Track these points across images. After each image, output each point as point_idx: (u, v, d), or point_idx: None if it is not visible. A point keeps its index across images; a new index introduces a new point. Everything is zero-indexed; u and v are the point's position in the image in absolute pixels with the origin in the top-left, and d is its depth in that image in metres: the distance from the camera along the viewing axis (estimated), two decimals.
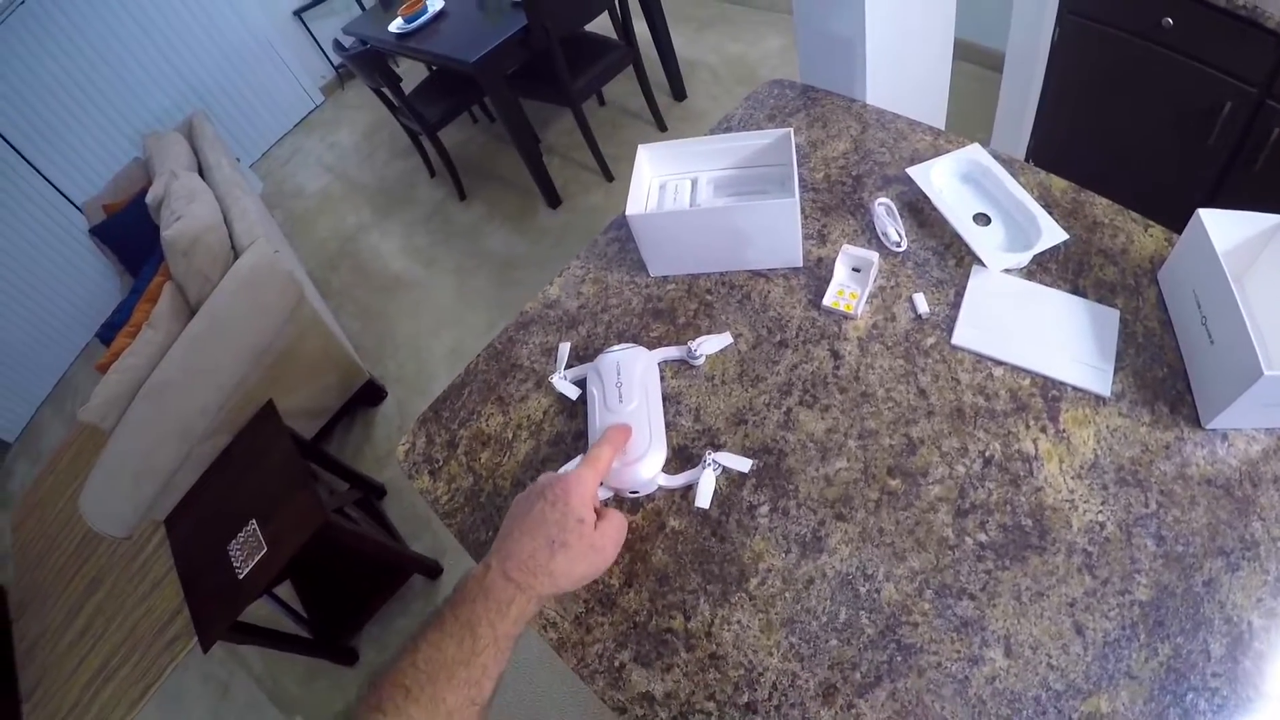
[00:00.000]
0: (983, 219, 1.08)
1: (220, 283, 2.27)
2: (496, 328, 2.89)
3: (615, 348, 0.99)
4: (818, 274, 1.06)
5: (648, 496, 0.90)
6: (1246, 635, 0.73)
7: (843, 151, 1.25)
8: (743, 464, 0.90)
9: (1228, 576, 0.77)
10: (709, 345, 1.00)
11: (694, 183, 1.16)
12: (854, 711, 0.73)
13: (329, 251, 3.52)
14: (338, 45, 3.24)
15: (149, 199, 2.65)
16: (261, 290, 2.33)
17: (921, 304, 1.00)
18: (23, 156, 3.67)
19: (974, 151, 1.13)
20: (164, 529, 1.99)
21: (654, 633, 0.80)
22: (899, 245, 1.06)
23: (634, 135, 3.48)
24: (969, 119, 2.32)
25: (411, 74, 3.58)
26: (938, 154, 1.16)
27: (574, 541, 0.65)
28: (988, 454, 0.88)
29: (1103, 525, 0.81)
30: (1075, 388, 0.92)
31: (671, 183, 1.17)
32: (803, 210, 1.14)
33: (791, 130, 1.08)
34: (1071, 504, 0.83)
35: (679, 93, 3.60)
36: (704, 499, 0.87)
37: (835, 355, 0.98)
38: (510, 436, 1.01)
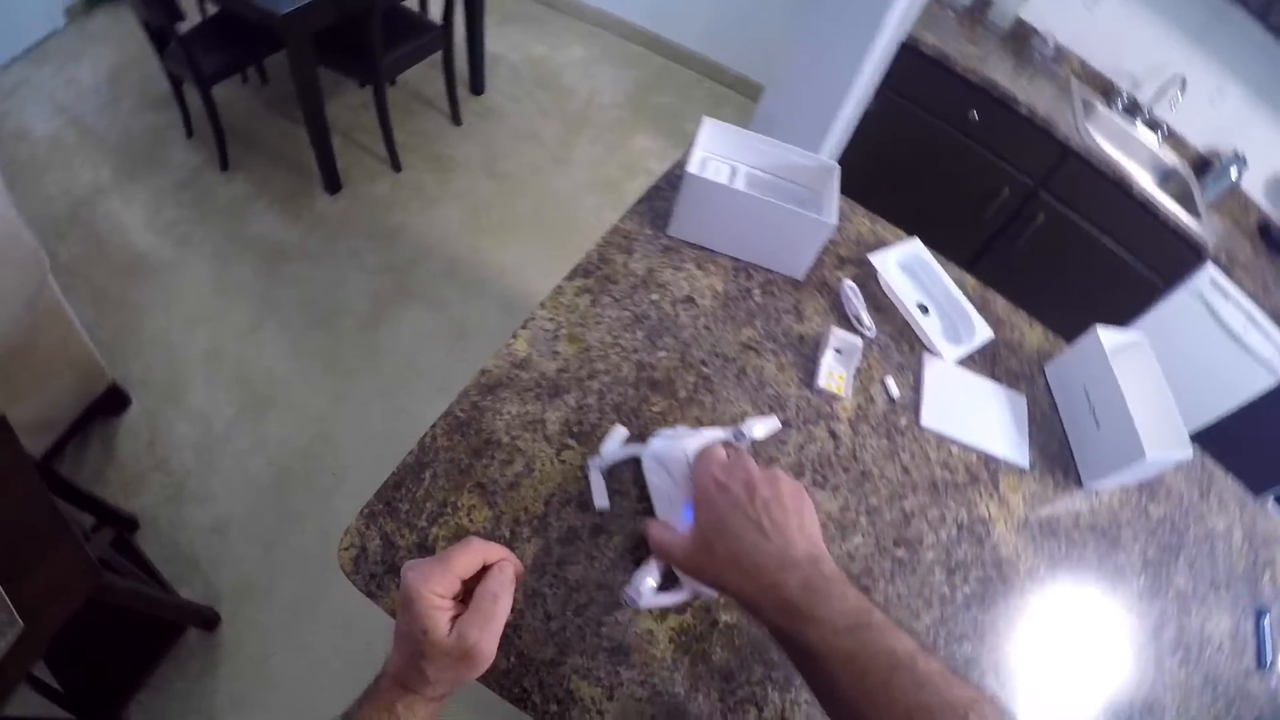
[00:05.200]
0: (922, 309, 1.26)
1: None
2: (263, 328, 2.60)
3: (667, 431, 0.91)
4: (803, 353, 1.16)
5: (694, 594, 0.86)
6: (1129, 634, 1.04)
7: None
8: None
9: (1111, 593, 1.07)
10: (759, 429, 0.98)
11: (734, 171, 1.27)
12: None
13: (57, 215, 2.76)
14: None
15: None
16: None
17: (893, 387, 1.15)
18: None
19: (915, 246, 1.30)
20: None
21: None
22: (870, 331, 1.20)
23: (426, 124, 3.31)
24: None
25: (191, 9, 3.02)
26: (875, 238, 1.33)
27: (429, 653, 0.55)
28: (959, 520, 1.05)
29: (1038, 568, 1.05)
30: (1005, 461, 1.14)
31: (713, 163, 1.27)
32: (774, 282, 1.24)
33: (838, 166, 1.21)
34: (1017, 554, 1.05)
35: (478, 87, 3.47)
36: None
37: (833, 436, 1.08)
38: (508, 535, 0.84)
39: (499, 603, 0.57)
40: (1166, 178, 2.37)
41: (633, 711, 0.77)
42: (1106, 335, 1.19)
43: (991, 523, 1.06)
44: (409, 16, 2.90)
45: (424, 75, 3.29)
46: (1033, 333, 1.33)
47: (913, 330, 1.24)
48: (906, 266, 1.30)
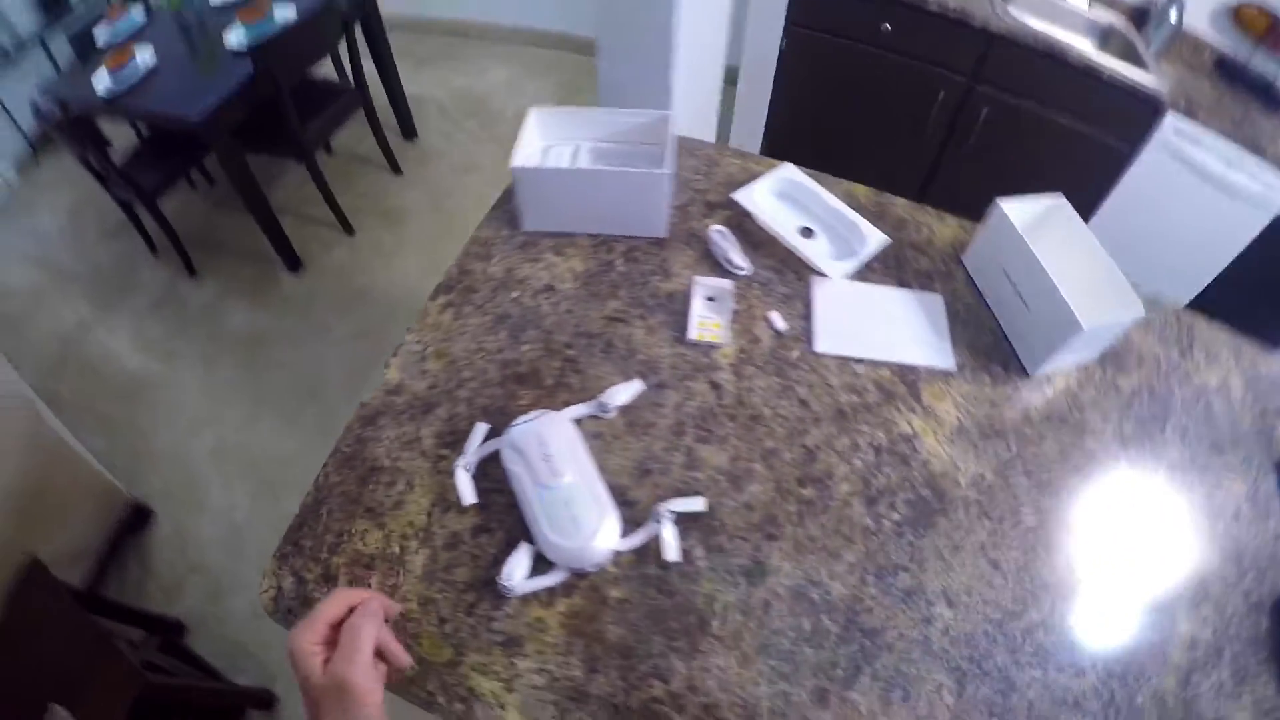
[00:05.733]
0: (807, 232, 1.16)
1: None
2: (260, 416, 2.63)
3: (523, 418, 0.92)
4: (673, 310, 1.08)
5: (578, 576, 0.84)
6: (1113, 527, 0.92)
7: None
8: (696, 504, 0.88)
9: (1085, 486, 0.95)
10: (621, 395, 0.97)
11: (576, 150, 1.24)
12: (849, 704, 0.76)
13: (50, 358, 2.94)
14: (37, 111, 2.75)
15: None
16: None
17: (779, 321, 1.06)
18: None
19: (787, 170, 1.21)
20: None
21: (639, 709, 0.77)
22: (743, 269, 1.11)
23: (369, 183, 3.34)
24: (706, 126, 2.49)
25: (117, 136, 3.13)
26: (748, 175, 1.24)
27: (315, 696, 0.59)
28: (875, 443, 0.96)
29: (983, 476, 0.94)
30: (926, 368, 1.03)
31: (555, 149, 1.25)
32: (638, 247, 1.17)
33: (670, 113, 1.15)
34: (955, 465, 0.95)
35: (409, 132, 3.51)
36: (672, 552, 0.84)
37: (715, 386, 1.00)
38: (398, 550, 0.87)
39: (360, 633, 0.61)
40: (1106, 38, 2.22)
41: (533, 700, 0.77)
42: (1012, 207, 1.08)
43: (917, 438, 0.97)
44: (321, 86, 2.93)
45: (356, 135, 3.32)
46: (944, 227, 1.22)
47: (798, 258, 1.14)
48: (785, 194, 1.21)
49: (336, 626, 0.63)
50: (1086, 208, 2.16)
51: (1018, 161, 2.24)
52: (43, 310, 3.16)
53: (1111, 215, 2.15)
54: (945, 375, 1.03)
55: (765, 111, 2.58)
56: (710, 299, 1.07)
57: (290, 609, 0.84)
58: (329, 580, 0.86)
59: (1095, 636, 0.83)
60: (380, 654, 0.64)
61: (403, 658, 0.68)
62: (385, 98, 3.32)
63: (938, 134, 2.34)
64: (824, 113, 2.49)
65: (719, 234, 1.13)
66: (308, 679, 0.59)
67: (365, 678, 0.59)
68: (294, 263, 3.01)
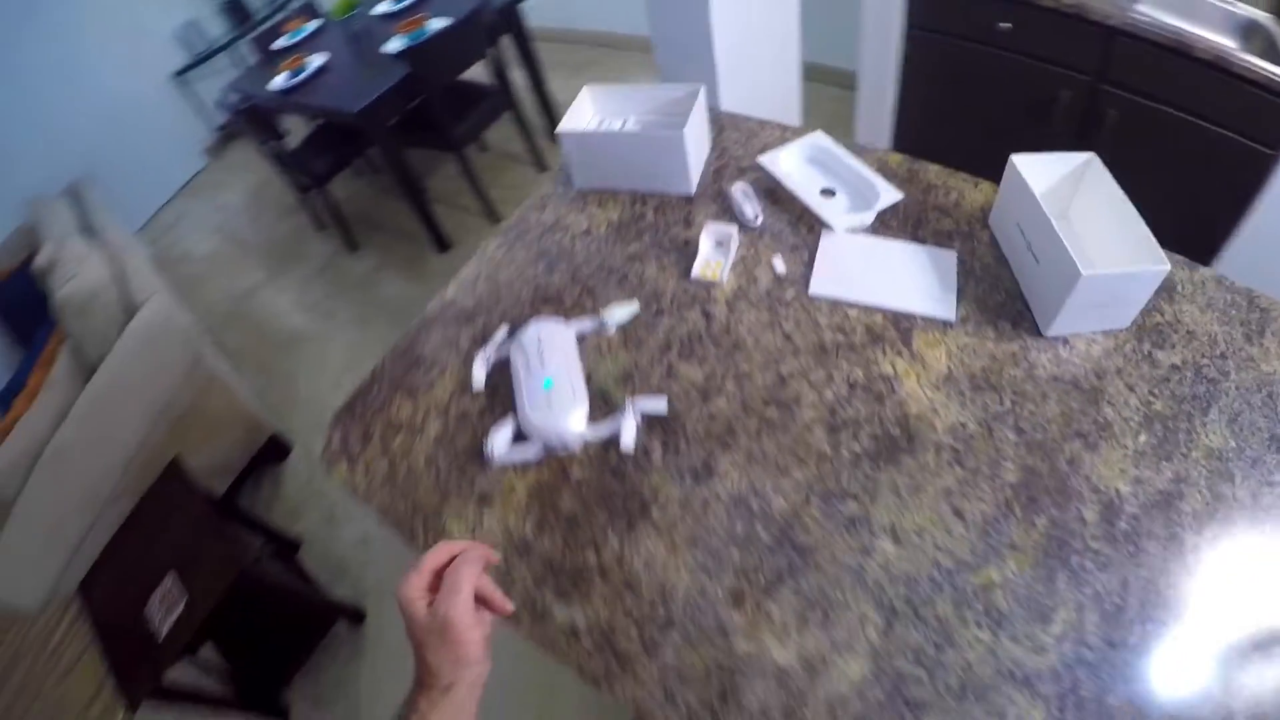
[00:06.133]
0: (828, 193, 1.22)
1: (119, 340, 2.22)
2: None
3: (534, 320, 1.09)
4: (687, 254, 1.18)
5: (551, 454, 0.98)
6: (1116, 501, 0.83)
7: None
8: (659, 403, 0.98)
9: (1088, 454, 0.87)
10: (617, 314, 1.10)
11: (625, 122, 1.41)
12: (763, 610, 0.80)
13: (223, 313, 3.49)
14: (226, 104, 3.24)
15: (36, 265, 2.48)
16: (160, 346, 2.28)
17: (780, 265, 1.13)
18: None
19: (817, 137, 1.27)
20: (76, 603, 1.92)
21: (570, 570, 0.87)
22: (756, 220, 1.19)
23: (517, 178, 3.62)
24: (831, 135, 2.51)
25: (296, 128, 3.61)
26: (783, 143, 1.30)
27: (421, 639, 0.63)
28: (851, 379, 0.99)
29: (965, 425, 0.92)
30: (924, 317, 1.05)
31: (608, 121, 1.42)
32: (669, 202, 1.29)
33: (703, 86, 1.29)
34: (934, 410, 0.94)
35: None
36: (629, 441, 0.95)
37: (707, 316, 1.09)
38: (420, 421, 1.09)
39: (461, 576, 0.64)
40: (1247, 34, 2.06)
41: (488, 545, 0.85)
42: (1029, 162, 1.08)
43: (898, 380, 0.98)
44: (472, 88, 3.23)
45: (509, 135, 3.60)
46: (976, 192, 1.22)
47: (814, 214, 1.20)
48: (813, 159, 1.28)
49: (440, 574, 0.65)
50: (1232, 219, 2.00)
51: (1153, 167, 2.10)
52: (222, 273, 3.74)
53: (1261, 226, 1.98)
54: (943, 325, 1.03)
55: (891, 116, 2.57)
56: (719, 244, 1.15)
57: (333, 456, 1.08)
58: (367, 438, 1.09)
59: (1069, 616, 0.75)
60: (481, 600, 0.66)
61: (502, 603, 0.69)
62: (535, 101, 3.60)
63: (1066, 137, 2.25)
64: (952, 115, 2.45)
65: (740, 190, 1.21)
66: (413, 620, 0.62)
67: (466, 616, 0.62)
68: (443, 244, 3.33)
